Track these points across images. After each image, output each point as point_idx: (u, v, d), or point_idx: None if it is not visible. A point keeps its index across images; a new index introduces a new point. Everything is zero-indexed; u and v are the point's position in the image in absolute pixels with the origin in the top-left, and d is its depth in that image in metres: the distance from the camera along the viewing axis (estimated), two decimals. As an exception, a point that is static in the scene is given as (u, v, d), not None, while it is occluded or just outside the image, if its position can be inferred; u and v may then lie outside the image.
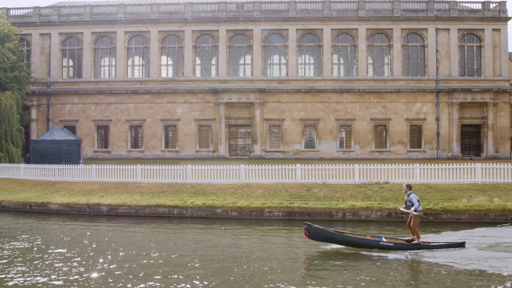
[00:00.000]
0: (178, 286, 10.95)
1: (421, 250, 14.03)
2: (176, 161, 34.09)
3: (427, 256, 13.55)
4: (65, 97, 43.78)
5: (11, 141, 33.20)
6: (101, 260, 13.31)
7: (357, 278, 11.56)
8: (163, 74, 44.16)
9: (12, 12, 44.81)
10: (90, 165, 27.26)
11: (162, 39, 43.83)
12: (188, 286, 10.94)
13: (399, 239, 15.00)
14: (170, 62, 44.36)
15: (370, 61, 43.30)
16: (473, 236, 16.18)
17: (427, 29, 42.54)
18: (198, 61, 43.94)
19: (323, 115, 42.35)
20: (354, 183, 23.22)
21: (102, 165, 26.99)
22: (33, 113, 43.35)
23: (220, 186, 23.79)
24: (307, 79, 42.87)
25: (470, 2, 43.27)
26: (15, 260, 13.40)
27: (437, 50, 42.37)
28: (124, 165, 26.37)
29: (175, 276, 11.77)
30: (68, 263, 12.98)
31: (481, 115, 42.18)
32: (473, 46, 42.84)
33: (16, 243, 15.81)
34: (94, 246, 15.39)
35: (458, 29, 42.41)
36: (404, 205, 14.76)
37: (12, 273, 11.99)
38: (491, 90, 41.45)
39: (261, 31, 43.03)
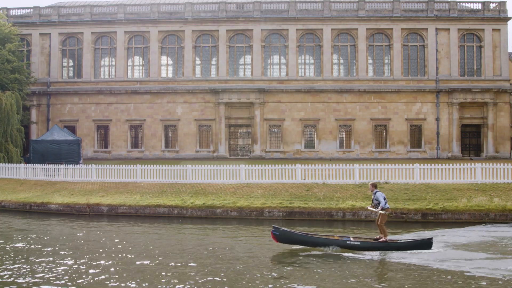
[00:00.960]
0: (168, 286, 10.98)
1: (388, 250, 14.10)
2: (176, 161, 34.08)
3: (394, 256, 13.60)
4: (65, 97, 43.79)
5: (11, 141, 33.16)
6: (98, 260, 13.31)
7: (322, 278, 11.63)
8: (163, 74, 44.16)
9: (12, 12, 44.80)
10: (90, 165, 27.25)
11: (162, 39, 43.83)
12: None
13: (368, 238, 15.10)
14: (170, 62, 44.36)
15: (370, 61, 43.31)
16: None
17: (427, 29, 42.54)
18: (198, 61, 43.95)
19: (323, 115, 42.35)
20: (354, 183, 23.22)
21: (102, 165, 26.98)
22: (33, 113, 43.35)
23: (220, 186, 23.79)
24: (307, 79, 42.87)
25: (470, 2, 43.27)
26: (13, 260, 13.40)
27: (437, 50, 42.37)
28: (124, 165, 26.35)
29: (166, 277, 11.79)
30: (67, 263, 12.98)
31: (481, 115, 42.18)
32: (473, 46, 42.84)
33: (15, 243, 15.81)
34: (92, 245, 15.39)
35: (458, 29, 42.41)
36: (372, 204, 14.90)
37: (11, 273, 11.99)
38: (491, 90, 41.44)
39: (261, 31, 43.03)
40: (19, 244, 15.55)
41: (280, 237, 14.38)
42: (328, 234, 15.72)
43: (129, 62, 44.41)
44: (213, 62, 43.86)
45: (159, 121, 43.08)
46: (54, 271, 12.12)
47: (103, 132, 44.06)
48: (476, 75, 42.68)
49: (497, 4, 42.48)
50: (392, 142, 42.17)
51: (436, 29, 42.44)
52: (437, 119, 41.98)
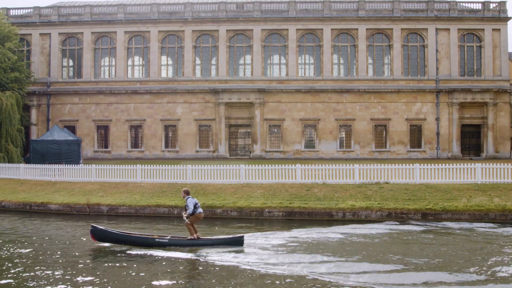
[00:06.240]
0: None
1: (197, 246, 14.40)
2: (176, 161, 34.04)
3: (206, 255, 13.72)
4: (65, 97, 43.79)
5: (11, 141, 33.11)
6: (94, 259, 13.32)
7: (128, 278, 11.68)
8: (163, 74, 44.16)
9: (12, 12, 44.79)
10: (90, 165, 27.20)
11: (162, 39, 43.83)
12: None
13: (182, 237, 15.32)
14: (170, 62, 44.36)
15: (370, 61, 43.31)
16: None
17: (427, 29, 42.54)
18: (198, 61, 43.94)
19: (323, 115, 42.35)
20: (354, 183, 23.20)
21: (102, 165, 26.91)
22: (33, 113, 43.35)
23: (220, 186, 23.77)
24: (307, 79, 42.88)
25: (470, 2, 43.28)
26: (13, 260, 13.40)
27: (437, 50, 42.37)
28: (124, 165, 26.29)
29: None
30: (66, 263, 12.99)
31: (481, 115, 42.18)
32: (473, 46, 42.84)
33: (15, 243, 15.80)
34: (91, 245, 15.40)
35: (458, 29, 42.42)
36: (185, 210, 15.22)
37: (10, 274, 12.00)
38: (491, 90, 41.45)
39: (261, 31, 43.04)
40: (19, 244, 15.55)
41: (98, 235, 14.74)
42: (148, 234, 15.87)
43: (129, 62, 44.42)
44: (213, 62, 43.86)
45: (159, 121, 43.09)
46: (52, 271, 12.12)
47: (103, 132, 44.05)
48: (476, 75, 42.68)
49: (497, 4, 42.48)
50: (392, 142, 42.17)
51: (436, 29, 42.44)
52: (437, 119, 41.98)
